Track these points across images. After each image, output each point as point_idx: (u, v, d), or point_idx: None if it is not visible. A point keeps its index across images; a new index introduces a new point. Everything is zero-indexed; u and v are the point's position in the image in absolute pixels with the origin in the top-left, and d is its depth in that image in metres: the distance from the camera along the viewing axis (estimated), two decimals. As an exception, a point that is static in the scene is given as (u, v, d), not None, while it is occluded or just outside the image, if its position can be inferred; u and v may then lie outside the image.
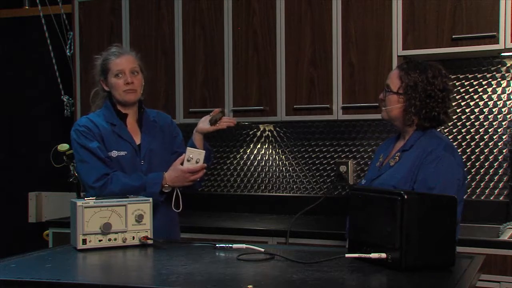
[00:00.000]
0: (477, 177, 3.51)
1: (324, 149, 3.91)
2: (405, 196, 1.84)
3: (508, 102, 3.47)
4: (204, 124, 2.78)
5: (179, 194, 2.70)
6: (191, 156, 2.64)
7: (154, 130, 2.83)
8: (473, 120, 3.54)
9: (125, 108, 2.78)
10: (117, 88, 2.73)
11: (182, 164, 2.65)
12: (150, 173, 2.70)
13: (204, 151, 2.68)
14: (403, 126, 2.52)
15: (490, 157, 3.49)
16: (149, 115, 2.86)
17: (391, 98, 2.49)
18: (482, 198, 3.50)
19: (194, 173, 2.65)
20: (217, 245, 2.26)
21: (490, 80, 3.50)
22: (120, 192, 2.56)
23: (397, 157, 2.48)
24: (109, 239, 2.29)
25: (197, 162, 2.64)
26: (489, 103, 3.51)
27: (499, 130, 3.48)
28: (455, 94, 3.55)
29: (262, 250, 2.15)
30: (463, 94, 3.56)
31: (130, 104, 2.77)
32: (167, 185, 2.66)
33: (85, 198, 2.32)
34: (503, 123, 3.47)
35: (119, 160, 2.70)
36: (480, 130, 3.52)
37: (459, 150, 3.47)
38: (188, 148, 2.68)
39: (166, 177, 2.66)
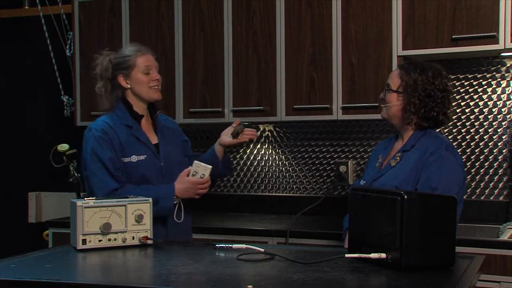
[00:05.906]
0: (477, 177, 3.51)
1: (324, 149, 3.91)
2: (405, 196, 1.84)
3: (508, 102, 3.47)
4: (226, 137, 2.75)
5: (182, 205, 2.69)
6: (196, 170, 2.63)
7: (168, 131, 2.80)
8: (473, 120, 3.54)
9: (142, 108, 2.73)
10: (144, 84, 2.67)
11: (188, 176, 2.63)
12: (169, 174, 2.66)
13: (210, 167, 2.64)
14: (402, 126, 2.52)
15: (490, 157, 3.49)
16: (160, 117, 2.83)
17: (390, 97, 2.50)
18: (482, 198, 3.50)
19: (202, 185, 2.64)
20: (217, 245, 2.26)
21: (490, 80, 3.50)
22: None
23: (398, 158, 2.49)
24: (109, 239, 2.29)
25: (201, 177, 2.63)
26: (489, 103, 3.50)
27: (499, 130, 3.48)
28: (455, 94, 3.55)
29: (262, 250, 2.15)
30: (463, 94, 3.56)
31: (154, 101, 2.73)
32: (175, 197, 2.63)
33: (85, 198, 2.31)
34: (503, 123, 3.47)
35: (140, 164, 2.63)
36: (480, 130, 3.52)
37: (459, 150, 3.47)
38: (194, 162, 2.65)
39: (175, 189, 2.62)
